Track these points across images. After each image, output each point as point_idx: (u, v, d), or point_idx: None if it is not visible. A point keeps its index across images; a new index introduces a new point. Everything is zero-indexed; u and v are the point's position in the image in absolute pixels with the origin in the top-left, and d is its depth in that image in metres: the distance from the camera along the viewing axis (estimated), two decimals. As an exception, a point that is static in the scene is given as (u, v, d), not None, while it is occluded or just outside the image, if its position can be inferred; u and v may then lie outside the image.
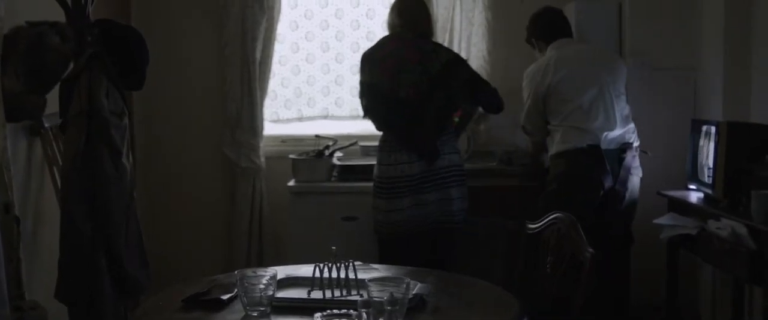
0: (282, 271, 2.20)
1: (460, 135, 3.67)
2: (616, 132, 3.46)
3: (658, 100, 3.91)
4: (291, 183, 3.94)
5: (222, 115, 4.28)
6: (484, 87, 3.46)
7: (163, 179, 4.40)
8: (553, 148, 3.50)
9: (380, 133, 3.52)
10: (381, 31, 4.13)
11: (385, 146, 3.43)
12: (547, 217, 2.52)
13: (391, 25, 3.54)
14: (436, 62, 3.37)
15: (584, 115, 3.42)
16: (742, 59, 3.56)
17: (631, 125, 3.54)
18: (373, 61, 3.44)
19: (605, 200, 3.44)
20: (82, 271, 2.55)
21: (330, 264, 2.12)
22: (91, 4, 2.74)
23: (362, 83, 3.48)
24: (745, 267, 2.77)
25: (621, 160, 3.44)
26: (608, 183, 3.41)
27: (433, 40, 3.59)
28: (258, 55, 4.20)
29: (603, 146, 3.41)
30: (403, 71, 3.35)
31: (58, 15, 2.72)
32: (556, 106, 3.48)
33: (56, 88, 2.68)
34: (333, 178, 3.97)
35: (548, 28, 3.61)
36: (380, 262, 3.01)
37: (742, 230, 2.81)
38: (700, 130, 3.40)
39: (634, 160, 3.50)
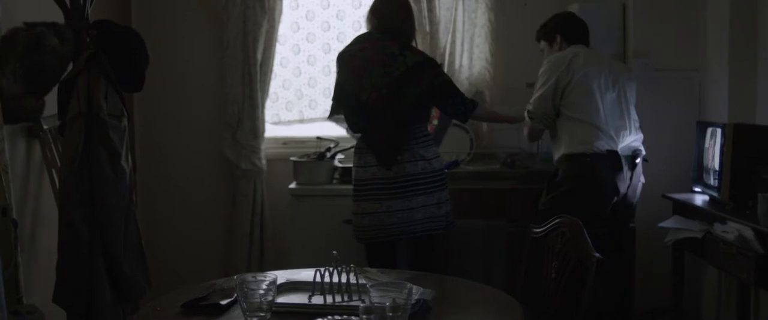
0: (282, 276, 2.18)
1: (439, 142, 3.58)
2: (631, 138, 3.41)
3: (662, 101, 3.88)
4: (292, 185, 3.91)
5: (223, 116, 4.26)
6: (451, 93, 3.33)
7: (164, 181, 4.38)
8: (571, 146, 3.34)
9: None
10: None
11: (357, 148, 3.39)
12: (551, 221, 2.49)
13: (367, 25, 3.45)
14: (401, 65, 3.25)
15: (605, 115, 3.33)
16: (748, 60, 3.53)
17: (641, 135, 3.48)
18: (342, 61, 3.38)
19: (615, 206, 3.38)
20: (80, 275, 2.53)
21: (331, 269, 2.09)
22: (90, 4, 2.72)
23: (335, 83, 3.42)
24: (752, 271, 2.74)
25: (633, 166, 3.39)
26: (622, 190, 3.36)
27: (412, 42, 3.42)
28: (259, 56, 4.17)
29: (619, 152, 3.35)
30: (367, 74, 3.26)
31: (57, 16, 2.69)
32: (577, 99, 3.34)
33: (55, 90, 2.66)
34: (334, 181, 3.95)
35: (577, 31, 3.50)
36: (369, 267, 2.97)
37: (749, 233, 2.78)
38: (706, 132, 3.37)
39: (640, 167, 3.45)
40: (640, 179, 3.47)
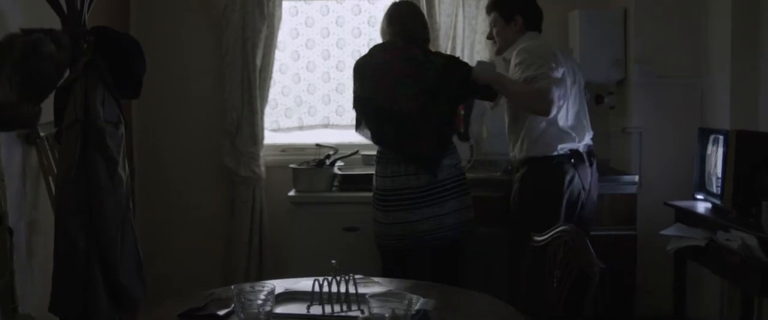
0: (280, 285, 2.15)
1: (468, 130, 3.57)
2: (588, 136, 3.34)
3: (663, 107, 3.87)
4: (291, 192, 3.89)
5: (222, 123, 4.23)
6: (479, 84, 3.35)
7: (162, 189, 4.35)
8: (535, 149, 3.22)
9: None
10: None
11: (381, 158, 3.34)
12: (553, 229, 2.46)
13: (383, 33, 3.43)
14: (431, 71, 3.23)
15: (570, 116, 3.27)
16: (750, 67, 3.51)
17: (591, 132, 3.37)
18: (363, 74, 3.32)
19: (581, 206, 3.31)
20: (76, 284, 2.50)
21: (330, 278, 2.07)
22: (88, 10, 2.70)
23: (354, 96, 3.37)
24: (756, 280, 2.72)
25: (591, 163, 3.32)
26: (587, 186, 3.29)
27: (428, 47, 3.42)
28: (258, 62, 4.15)
29: (580, 149, 3.29)
30: (397, 84, 3.23)
31: (54, 22, 2.67)
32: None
33: (51, 97, 2.64)
34: (334, 188, 3.92)
35: (538, 17, 3.39)
36: (383, 276, 2.95)
37: (753, 242, 2.76)
38: (708, 139, 3.35)
39: (595, 163, 3.39)
40: (596, 176, 3.38)
